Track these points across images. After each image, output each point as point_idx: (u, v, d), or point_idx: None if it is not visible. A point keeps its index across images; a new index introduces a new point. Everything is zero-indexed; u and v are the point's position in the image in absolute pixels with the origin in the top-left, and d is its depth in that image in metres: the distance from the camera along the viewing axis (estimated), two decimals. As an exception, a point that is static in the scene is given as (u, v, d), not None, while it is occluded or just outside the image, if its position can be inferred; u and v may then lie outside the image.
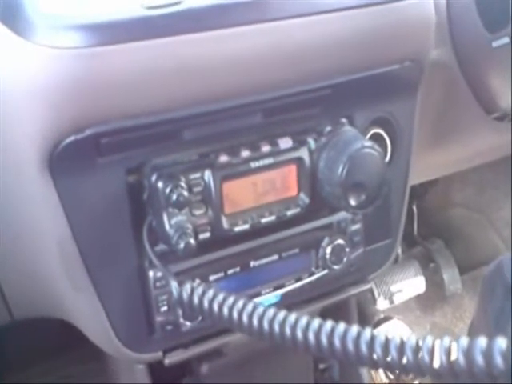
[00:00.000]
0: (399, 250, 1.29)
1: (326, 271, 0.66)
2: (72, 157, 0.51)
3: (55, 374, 1.10)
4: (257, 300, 0.62)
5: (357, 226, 0.67)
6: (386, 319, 1.20)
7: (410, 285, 1.26)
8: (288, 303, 0.64)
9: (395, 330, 1.18)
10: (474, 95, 0.79)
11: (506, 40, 0.70)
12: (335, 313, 0.56)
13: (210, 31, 0.52)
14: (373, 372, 1.09)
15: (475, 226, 1.38)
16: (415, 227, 1.34)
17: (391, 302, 1.25)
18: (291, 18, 0.55)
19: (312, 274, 0.66)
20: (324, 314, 0.42)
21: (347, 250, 0.66)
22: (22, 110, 0.49)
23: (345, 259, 0.66)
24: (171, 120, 0.53)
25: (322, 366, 0.88)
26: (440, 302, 1.35)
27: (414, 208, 1.31)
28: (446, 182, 1.31)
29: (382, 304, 1.25)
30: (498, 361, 0.31)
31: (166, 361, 0.64)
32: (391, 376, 1.10)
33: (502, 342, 0.32)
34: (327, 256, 0.65)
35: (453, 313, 1.35)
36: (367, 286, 0.73)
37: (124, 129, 0.51)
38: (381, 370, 1.10)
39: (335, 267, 0.66)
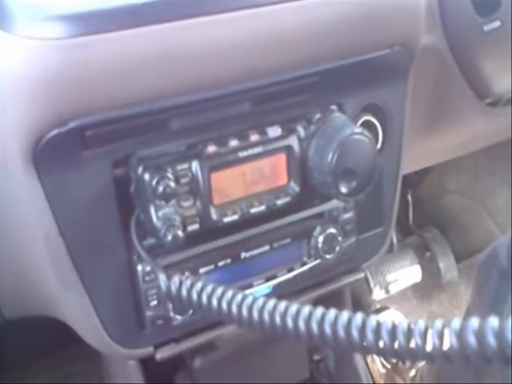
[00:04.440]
0: (394, 240, 1.29)
1: (318, 261, 0.65)
2: (56, 150, 0.50)
3: (51, 373, 1.10)
4: (249, 291, 0.62)
5: (349, 215, 0.66)
6: (383, 309, 1.20)
7: (405, 274, 1.26)
8: (280, 294, 0.63)
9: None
10: (467, 81, 0.78)
11: (498, 24, 0.70)
12: (329, 303, 0.55)
13: (195, 18, 0.51)
14: (370, 362, 1.08)
15: (471, 213, 1.38)
16: (410, 216, 1.34)
17: (387, 291, 1.24)
18: (277, 4, 0.54)
19: (304, 263, 0.65)
20: (318, 305, 0.41)
21: (339, 238, 0.66)
22: (3, 103, 0.48)
23: (337, 248, 0.66)
24: (157, 110, 0.52)
25: (316, 358, 0.88)
26: (436, 290, 1.35)
27: (409, 197, 1.31)
28: (441, 170, 1.30)
29: (378, 294, 1.24)
30: (491, 340, 0.31)
31: (158, 356, 0.63)
32: (388, 366, 1.10)
33: (494, 321, 0.31)
34: (319, 245, 0.65)
35: (450, 301, 1.35)
36: (361, 275, 0.72)
37: (109, 120, 0.50)
38: (378, 360, 1.10)
39: (328, 256, 0.65)
